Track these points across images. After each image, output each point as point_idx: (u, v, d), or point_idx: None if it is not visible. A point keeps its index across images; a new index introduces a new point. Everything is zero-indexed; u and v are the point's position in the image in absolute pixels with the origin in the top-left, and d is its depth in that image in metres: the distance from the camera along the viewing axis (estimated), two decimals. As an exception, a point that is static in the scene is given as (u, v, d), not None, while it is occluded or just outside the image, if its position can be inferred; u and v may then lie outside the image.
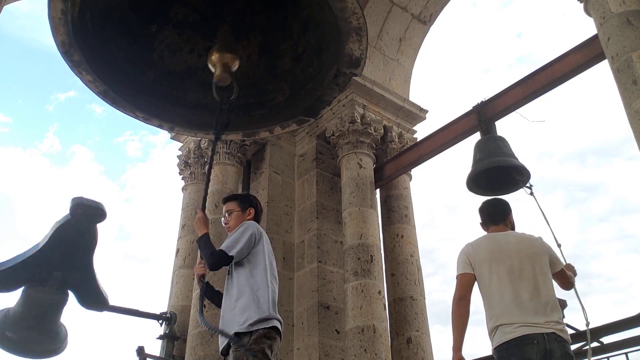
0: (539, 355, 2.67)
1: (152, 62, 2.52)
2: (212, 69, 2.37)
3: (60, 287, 3.51)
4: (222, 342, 2.80)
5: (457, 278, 3.08)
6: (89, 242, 3.60)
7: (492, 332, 2.88)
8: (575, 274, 3.24)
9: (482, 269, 3.02)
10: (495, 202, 3.39)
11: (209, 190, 6.61)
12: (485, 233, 3.28)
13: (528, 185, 4.19)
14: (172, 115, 2.54)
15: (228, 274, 2.97)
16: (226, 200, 3.32)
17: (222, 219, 3.24)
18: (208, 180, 2.73)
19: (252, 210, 3.18)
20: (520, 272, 2.92)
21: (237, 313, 2.74)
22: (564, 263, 3.13)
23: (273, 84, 2.55)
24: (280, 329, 2.76)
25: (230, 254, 2.83)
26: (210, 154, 2.72)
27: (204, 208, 2.91)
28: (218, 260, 2.85)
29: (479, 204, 3.41)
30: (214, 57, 2.36)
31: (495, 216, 3.26)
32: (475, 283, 3.06)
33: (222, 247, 2.91)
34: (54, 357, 3.52)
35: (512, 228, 3.26)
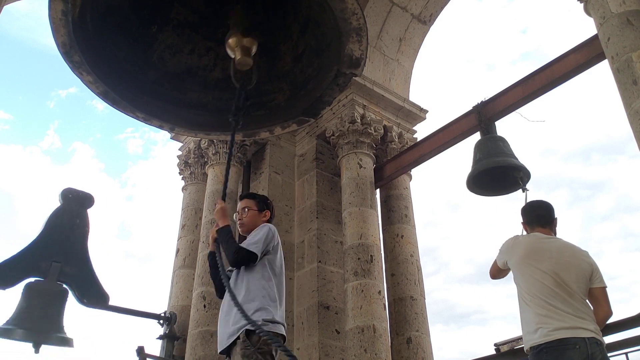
0: (581, 359, 2.68)
1: (153, 62, 2.52)
2: (231, 54, 2.28)
3: (60, 278, 3.67)
4: (222, 340, 2.78)
5: (496, 260, 3.32)
6: (82, 227, 3.80)
7: (530, 331, 2.88)
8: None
9: (519, 267, 3.07)
10: (545, 204, 3.36)
11: (209, 190, 6.59)
12: (523, 232, 3.33)
13: (526, 188, 4.24)
14: (173, 116, 2.55)
15: (236, 270, 2.94)
16: (244, 196, 3.31)
17: (235, 214, 3.22)
18: (228, 170, 2.62)
19: (268, 213, 3.19)
20: (558, 277, 2.91)
21: (257, 309, 2.72)
22: (604, 285, 3.02)
23: (273, 85, 2.55)
24: (285, 334, 2.79)
25: (255, 253, 2.83)
26: (229, 144, 2.56)
27: (224, 198, 2.82)
28: (244, 258, 2.83)
29: (523, 205, 3.40)
30: (232, 40, 2.25)
31: (544, 219, 3.26)
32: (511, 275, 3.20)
33: (245, 244, 2.90)
34: (66, 349, 3.64)
35: (555, 232, 3.28)
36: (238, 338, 2.66)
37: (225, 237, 2.87)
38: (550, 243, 3.10)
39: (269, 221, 3.16)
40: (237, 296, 2.78)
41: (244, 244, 2.90)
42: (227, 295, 2.88)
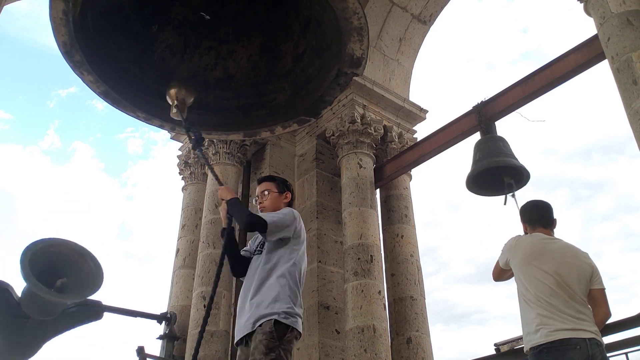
0: (582, 359, 2.68)
1: (154, 62, 2.52)
2: (170, 102, 2.44)
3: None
4: (241, 328, 2.64)
5: (498, 261, 3.27)
6: None
7: (530, 332, 2.86)
8: None
9: (521, 267, 3.05)
10: (547, 205, 3.32)
11: (209, 190, 6.57)
12: (522, 231, 3.31)
13: (512, 194, 4.34)
14: (173, 115, 2.55)
15: (264, 255, 2.78)
16: (263, 180, 3.14)
17: (255, 199, 3.06)
18: (211, 169, 2.76)
19: (289, 195, 3.03)
20: (560, 278, 2.91)
21: (277, 301, 2.58)
22: (604, 287, 3.02)
23: (274, 84, 2.55)
24: (302, 329, 2.69)
25: (266, 221, 2.68)
26: (204, 158, 2.87)
27: (221, 184, 2.85)
28: (256, 222, 2.68)
29: (524, 203, 3.36)
30: (172, 92, 2.43)
31: (545, 219, 3.23)
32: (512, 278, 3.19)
33: (263, 216, 2.77)
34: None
35: (554, 234, 3.27)
36: (260, 326, 2.51)
37: (235, 205, 2.76)
38: (552, 244, 3.10)
39: (290, 203, 3.01)
40: (258, 282, 2.67)
41: (262, 215, 2.78)
42: (249, 283, 2.75)
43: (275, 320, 2.50)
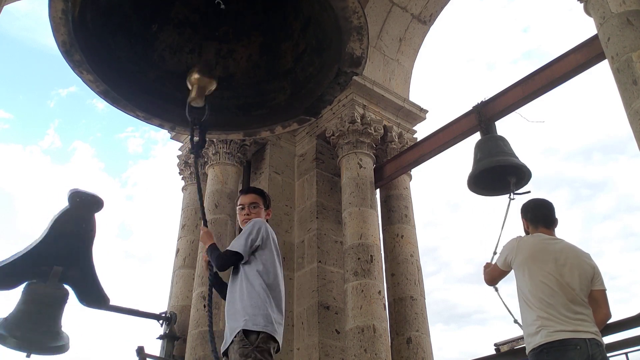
0: (582, 359, 2.69)
1: (153, 61, 2.52)
2: (189, 88, 2.38)
3: (61, 281, 3.53)
4: (225, 340, 2.77)
5: (495, 263, 3.28)
6: (88, 232, 3.65)
7: (531, 333, 2.87)
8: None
9: (523, 267, 3.05)
10: (550, 205, 3.33)
11: (209, 190, 6.57)
12: (522, 229, 3.32)
13: (515, 193, 4.31)
14: (173, 115, 2.55)
15: (234, 268, 2.92)
16: (253, 191, 3.25)
17: (240, 207, 3.14)
18: (201, 196, 2.79)
19: (270, 212, 3.21)
20: (562, 278, 2.91)
21: (245, 310, 2.69)
22: (605, 288, 3.04)
23: (274, 84, 2.55)
24: (276, 335, 2.72)
25: (238, 252, 2.82)
26: (195, 171, 2.83)
27: (205, 224, 2.98)
28: (229, 259, 2.85)
29: (524, 202, 3.37)
30: (193, 77, 2.37)
31: (549, 219, 3.24)
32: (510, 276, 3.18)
33: (230, 246, 2.89)
34: (59, 355, 3.56)
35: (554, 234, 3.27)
36: (232, 341, 2.65)
37: (211, 251, 2.92)
38: (554, 244, 3.09)
39: (267, 221, 3.13)
40: (240, 294, 2.79)
41: (230, 246, 2.92)
42: (229, 294, 2.89)
43: (243, 330, 2.62)
